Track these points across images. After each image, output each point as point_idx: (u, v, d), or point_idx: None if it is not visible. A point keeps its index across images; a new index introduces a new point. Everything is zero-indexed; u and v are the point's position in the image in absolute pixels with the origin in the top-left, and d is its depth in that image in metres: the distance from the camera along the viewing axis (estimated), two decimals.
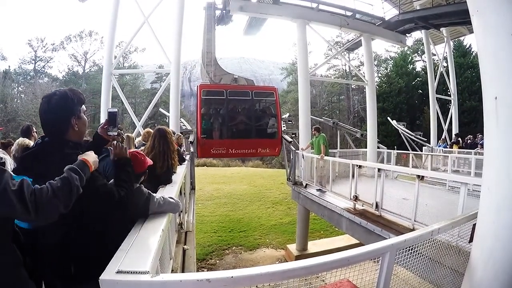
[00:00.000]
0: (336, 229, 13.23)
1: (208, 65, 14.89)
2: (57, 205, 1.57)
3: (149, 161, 3.08)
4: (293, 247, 14.05)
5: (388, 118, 26.67)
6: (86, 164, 1.83)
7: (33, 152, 2.01)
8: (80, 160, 1.83)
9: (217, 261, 13.46)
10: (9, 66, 42.16)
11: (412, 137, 21.16)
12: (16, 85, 43.38)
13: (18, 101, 41.24)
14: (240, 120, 14.42)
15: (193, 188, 10.27)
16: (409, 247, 2.62)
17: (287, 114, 19.10)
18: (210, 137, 13.61)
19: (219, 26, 16.33)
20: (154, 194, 2.68)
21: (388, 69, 45.84)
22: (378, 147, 16.70)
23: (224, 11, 15.49)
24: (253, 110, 14.78)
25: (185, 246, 5.09)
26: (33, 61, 44.76)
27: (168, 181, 4.18)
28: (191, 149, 12.26)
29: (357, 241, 8.61)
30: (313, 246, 14.04)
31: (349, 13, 15.68)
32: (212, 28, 15.30)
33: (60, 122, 2.00)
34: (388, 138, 33.31)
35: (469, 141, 17.88)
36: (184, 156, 9.17)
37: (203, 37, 15.25)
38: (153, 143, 4.19)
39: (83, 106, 2.15)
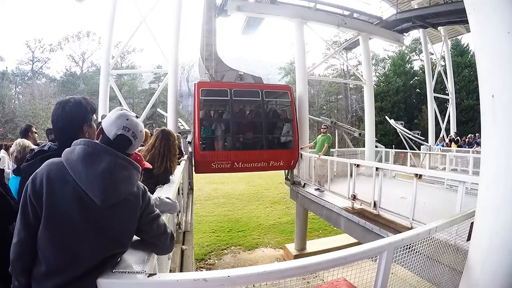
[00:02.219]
0: (335, 228, 13.23)
1: (207, 59, 12.77)
2: None
3: (147, 165, 3.11)
4: (291, 247, 14.05)
5: (386, 117, 26.75)
6: None
7: (49, 157, 2.01)
8: None
9: (216, 261, 13.45)
10: (6, 67, 42.02)
11: (410, 136, 21.18)
12: (14, 86, 43.17)
13: (16, 102, 41.06)
14: (248, 126, 11.98)
15: (191, 188, 10.22)
16: (407, 245, 2.63)
17: None
18: (210, 148, 11.41)
19: (219, 18, 14.25)
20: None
21: (386, 68, 45.95)
22: (376, 146, 16.71)
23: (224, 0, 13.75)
24: (264, 114, 12.05)
25: (183, 246, 5.08)
26: (31, 62, 44.62)
27: (165, 181, 4.17)
28: (189, 149, 11.81)
29: (356, 240, 8.62)
30: (312, 245, 14.03)
31: (346, 12, 15.67)
32: (213, 17, 13.41)
33: (73, 128, 2.08)
34: (386, 137, 33.42)
35: (467, 140, 17.91)
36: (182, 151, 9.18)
37: (202, 28, 13.25)
38: (154, 143, 4.19)
39: (94, 115, 2.21)
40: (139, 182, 1.86)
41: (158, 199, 2.70)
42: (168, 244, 2.01)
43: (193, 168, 11.23)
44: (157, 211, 1.98)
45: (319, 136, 11.53)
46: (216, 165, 11.30)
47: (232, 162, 11.41)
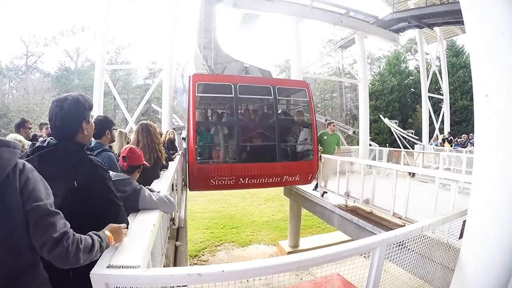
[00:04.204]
0: (328, 225, 13.26)
1: (206, 48, 10.68)
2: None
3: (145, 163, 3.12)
4: (285, 244, 14.07)
5: (381, 116, 26.92)
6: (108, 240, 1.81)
7: (47, 152, 1.99)
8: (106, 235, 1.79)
9: (210, 258, 13.45)
10: (0, 62, 41.52)
11: (404, 135, 21.36)
12: (8, 80, 42.65)
13: (10, 96, 40.57)
14: (256, 132, 9.38)
15: (185, 184, 10.11)
16: (400, 242, 2.66)
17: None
18: (208, 159, 9.04)
19: (218, 6, 11.84)
20: (145, 188, 2.66)
21: (381, 68, 46.04)
22: (370, 145, 16.81)
23: None
24: (277, 117, 9.44)
25: (177, 243, 5.07)
26: (25, 56, 44.12)
27: (156, 176, 4.18)
28: (184, 145, 11.04)
29: (349, 238, 8.64)
30: (305, 242, 14.05)
31: (343, 11, 15.70)
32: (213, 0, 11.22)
33: (71, 126, 2.07)
34: (380, 135, 33.55)
35: (459, 139, 18.06)
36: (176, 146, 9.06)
37: (200, 11, 11.03)
38: (137, 138, 4.21)
39: (91, 112, 2.20)
40: (19, 160, 1.58)
41: (156, 194, 2.69)
42: (60, 256, 1.51)
43: (187, 182, 9.08)
44: (48, 205, 1.58)
45: (325, 133, 10.46)
46: (216, 181, 8.83)
47: (237, 178, 8.95)
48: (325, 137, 10.30)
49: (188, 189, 9.14)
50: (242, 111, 9.66)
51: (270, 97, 9.43)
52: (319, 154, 9.75)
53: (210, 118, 10.13)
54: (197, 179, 8.72)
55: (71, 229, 1.58)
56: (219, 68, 10.70)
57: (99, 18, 13.62)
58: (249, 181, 9.06)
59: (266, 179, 9.26)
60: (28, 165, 1.59)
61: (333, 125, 10.74)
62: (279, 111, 9.76)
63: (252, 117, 9.83)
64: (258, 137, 9.36)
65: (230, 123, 9.17)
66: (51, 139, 2.07)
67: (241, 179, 8.94)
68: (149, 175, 4.00)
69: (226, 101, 9.74)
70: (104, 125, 3.62)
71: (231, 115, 9.26)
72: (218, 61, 10.75)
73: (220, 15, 12.70)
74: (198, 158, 8.73)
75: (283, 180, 9.50)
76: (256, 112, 10.30)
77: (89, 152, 2.13)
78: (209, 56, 10.65)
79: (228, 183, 8.90)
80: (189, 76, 9.14)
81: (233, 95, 8.96)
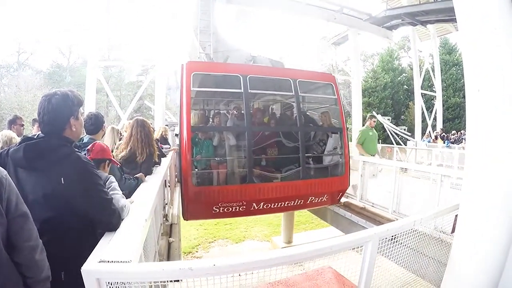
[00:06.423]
0: (322, 221, 13.29)
1: (203, 32, 8.75)
2: None
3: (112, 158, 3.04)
4: (278, 240, 14.08)
5: (374, 112, 26.98)
6: None
7: (34, 144, 1.96)
8: None
9: (203, 254, 13.42)
10: None
11: (397, 132, 21.43)
12: None
13: (2, 94, 40.18)
14: (273, 141, 7.02)
15: (179, 181, 10.03)
16: (392, 236, 2.67)
17: None
18: (208, 180, 6.71)
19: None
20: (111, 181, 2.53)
21: (374, 65, 46.10)
22: None
23: None
24: (300, 120, 7.00)
25: (170, 239, 5.08)
26: (17, 53, 43.60)
27: (148, 171, 4.17)
28: (177, 142, 9.51)
29: (343, 234, 8.67)
30: (299, 238, 14.08)
31: (336, 8, 15.70)
32: None
33: (59, 121, 2.04)
34: None
35: (452, 136, 18.18)
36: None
37: None
38: (131, 132, 4.21)
39: (81, 108, 2.18)
40: None
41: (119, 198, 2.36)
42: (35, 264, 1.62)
43: (182, 210, 6.79)
44: (25, 209, 1.61)
45: (368, 128, 9.01)
46: (221, 208, 6.42)
47: (249, 203, 6.57)
48: (371, 133, 8.90)
49: (183, 218, 6.83)
50: (254, 112, 7.32)
51: (291, 93, 7.04)
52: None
53: (210, 121, 7.94)
54: (195, 206, 6.44)
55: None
56: (220, 57, 8.67)
57: (92, 14, 13.47)
58: (265, 206, 6.78)
59: (286, 203, 6.98)
60: None
61: (374, 120, 9.12)
62: (302, 112, 7.31)
63: (267, 121, 7.62)
64: (276, 148, 7.03)
65: (239, 129, 6.80)
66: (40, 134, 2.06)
67: (254, 204, 6.65)
68: (142, 171, 3.99)
69: (233, 98, 7.60)
70: (101, 120, 3.78)
71: (239, 117, 6.94)
72: (218, 49, 8.80)
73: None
74: (195, 177, 6.40)
75: (308, 202, 7.19)
76: (273, 114, 8.08)
77: (77, 150, 2.09)
78: (208, 43, 8.72)
79: (237, 209, 6.61)
80: (182, 65, 6.60)
81: (242, 90, 6.52)
